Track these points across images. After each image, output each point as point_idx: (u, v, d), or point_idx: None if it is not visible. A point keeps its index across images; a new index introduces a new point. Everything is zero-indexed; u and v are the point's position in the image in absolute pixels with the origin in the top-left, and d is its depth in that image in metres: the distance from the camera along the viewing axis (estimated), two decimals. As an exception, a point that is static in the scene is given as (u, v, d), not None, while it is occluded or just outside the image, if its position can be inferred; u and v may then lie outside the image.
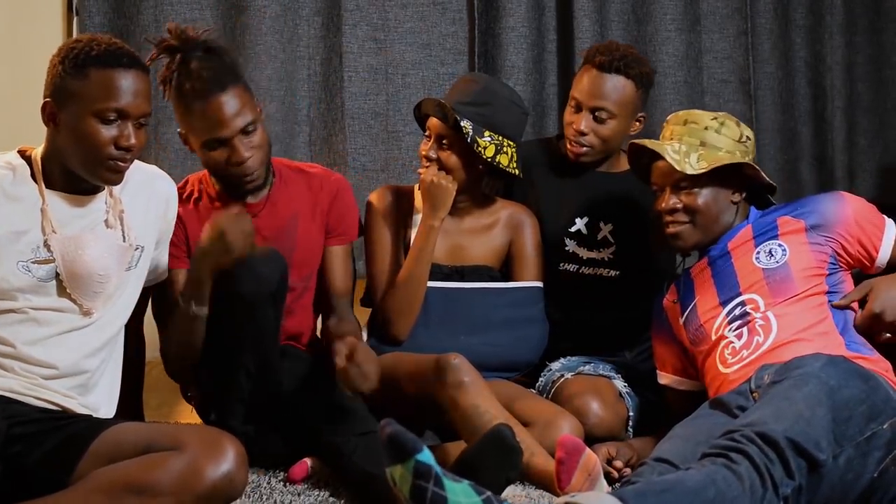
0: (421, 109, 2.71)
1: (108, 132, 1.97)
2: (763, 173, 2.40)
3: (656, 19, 3.58)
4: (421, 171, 2.64)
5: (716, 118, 2.44)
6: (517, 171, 2.65)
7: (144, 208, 2.17)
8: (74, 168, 2.01)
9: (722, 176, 2.38)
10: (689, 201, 2.39)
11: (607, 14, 3.54)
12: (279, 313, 2.33)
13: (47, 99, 2.00)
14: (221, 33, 3.23)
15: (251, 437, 2.34)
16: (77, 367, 2.03)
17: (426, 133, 2.66)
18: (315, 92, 3.39)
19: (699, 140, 2.40)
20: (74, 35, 3.28)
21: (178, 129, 2.42)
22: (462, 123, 2.56)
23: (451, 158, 2.61)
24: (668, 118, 2.53)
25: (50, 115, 2.00)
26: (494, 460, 2.00)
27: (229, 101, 2.30)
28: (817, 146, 3.75)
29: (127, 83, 1.98)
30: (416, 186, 2.78)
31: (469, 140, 2.56)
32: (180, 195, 2.45)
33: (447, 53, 3.47)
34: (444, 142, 2.61)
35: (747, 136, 2.45)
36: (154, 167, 2.27)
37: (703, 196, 2.39)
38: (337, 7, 3.39)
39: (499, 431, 2.03)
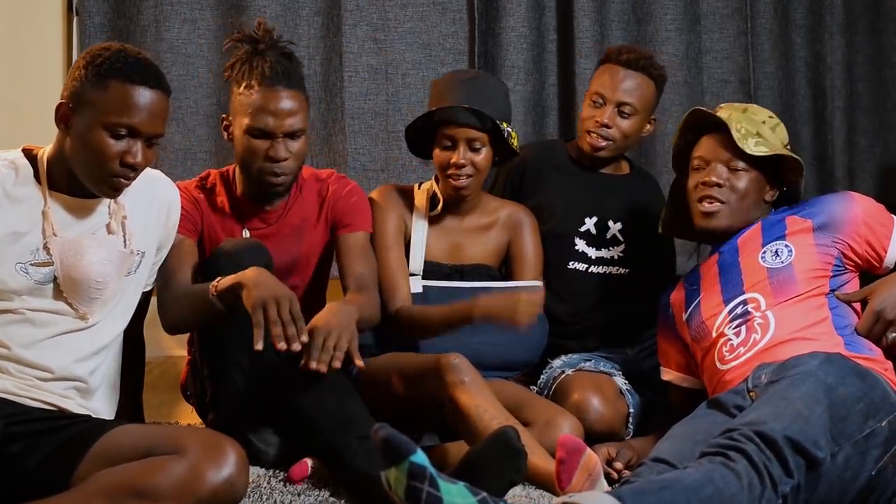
0: (435, 117, 2.61)
1: (115, 147, 1.95)
2: (803, 183, 2.42)
3: (656, 19, 3.58)
4: (451, 180, 2.61)
5: (772, 117, 2.48)
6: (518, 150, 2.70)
7: (146, 214, 2.16)
8: (78, 175, 2.00)
9: (767, 170, 2.41)
10: (734, 181, 2.40)
11: (607, 14, 3.54)
12: None
13: (63, 100, 1.98)
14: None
15: (249, 438, 2.36)
16: (71, 370, 2.02)
17: (445, 142, 2.59)
18: (315, 92, 3.39)
19: (756, 130, 2.42)
20: (75, 35, 3.28)
21: (223, 116, 2.46)
22: (501, 125, 2.57)
23: (481, 159, 2.60)
24: (721, 105, 2.54)
25: (63, 116, 1.98)
26: (498, 462, 2.00)
27: (289, 99, 2.36)
28: (817, 146, 3.75)
29: (144, 101, 1.96)
30: (416, 186, 2.78)
31: (506, 136, 2.59)
32: (202, 183, 2.48)
33: (447, 53, 3.47)
34: (476, 145, 2.58)
35: (790, 148, 2.48)
36: (157, 172, 2.25)
37: (748, 181, 2.41)
38: (337, 7, 3.39)
39: (504, 433, 2.03)
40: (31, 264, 1.98)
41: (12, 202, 1.98)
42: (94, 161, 1.96)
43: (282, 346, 2.07)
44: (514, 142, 2.64)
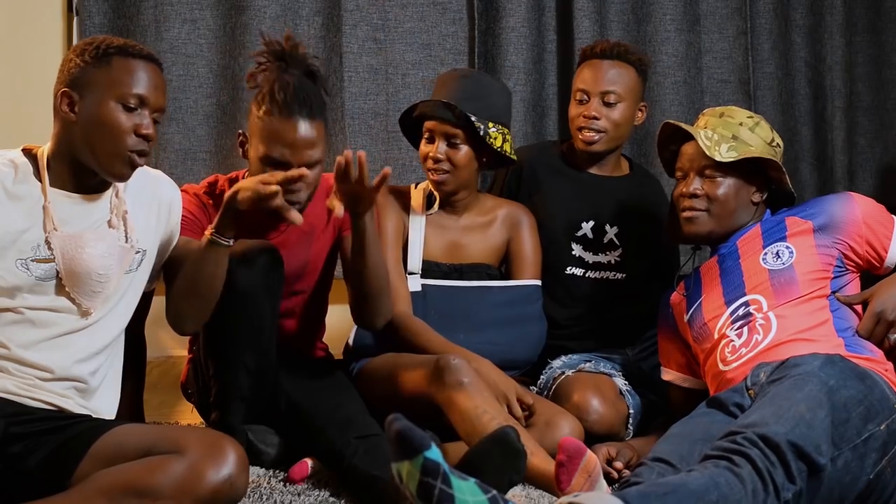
0: (415, 112, 2.68)
1: (129, 120, 1.99)
2: (788, 179, 2.41)
3: (656, 19, 3.58)
4: (430, 174, 2.64)
5: (751, 117, 2.48)
6: (514, 156, 2.69)
7: (147, 212, 2.17)
8: (87, 161, 2.01)
9: (747, 172, 2.41)
10: (711, 189, 2.41)
11: (607, 14, 3.54)
12: (275, 305, 2.33)
13: (64, 88, 2.00)
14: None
15: (250, 438, 2.36)
16: (72, 371, 2.02)
17: (426, 135, 2.65)
18: (315, 92, 3.39)
19: (732, 134, 2.43)
20: (75, 35, 3.29)
21: (240, 132, 2.41)
22: (473, 119, 2.57)
23: (460, 156, 2.62)
24: (704, 111, 2.56)
25: (69, 104, 2.00)
26: (498, 462, 2.00)
27: (309, 131, 2.29)
28: (817, 146, 3.75)
29: (148, 74, 2.02)
30: (413, 186, 2.79)
31: (482, 134, 2.58)
32: (210, 188, 2.47)
33: (447, 53, 3.47)
34: (454, 140, 2.61)
35: (778, 143, 2.48)
36: (158, 171, 2.27)
37: (726, 186, 2.41)
38: (337, 7, 3.39)
39: (503, 433, 2.03)
40: (32, 260, 1.98)
41: (12, 200, 1.98)
42: (109, 137, 1.99)
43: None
44: (497, 143, 2.61)
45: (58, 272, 2.00)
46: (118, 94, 1.99)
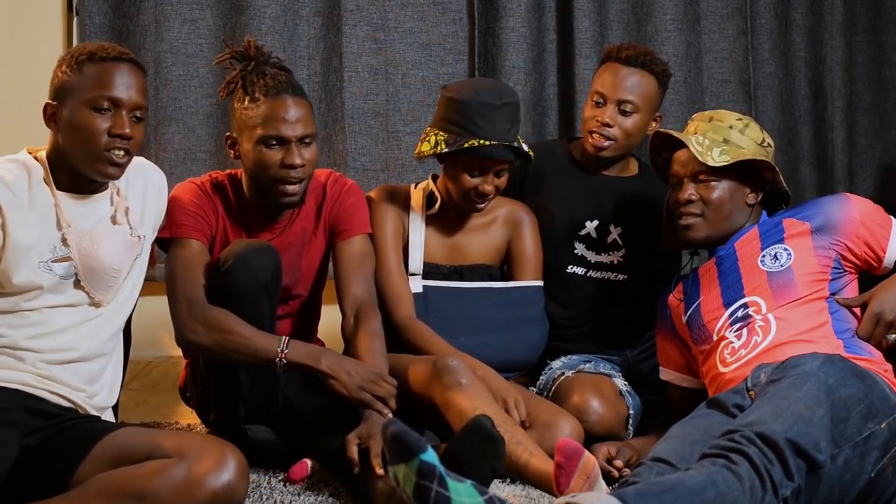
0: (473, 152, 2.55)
1: (102, 122, 2.02)
2: (782, 178, 2.41)
3: (656, 19, 3.57)
4: (474, 203, 2.61)
5: (741, 119, 2.48)
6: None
7: (143, 199, 2.22)
8: (77, 165, 2.06)
9: (740, 174, 2.42)
10: (706, 194, 2.41)
11: (607, 14, 3.54)
12: (274, 305, 2.34)
13: (48, 101, 2.06)
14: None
15: (250, 437, 2.37)
16: (95, 352, 2.08)
17: (476, 172, 2.56)
18: (315, 92, 3.39)
19: (722, 137, 2.43)
20: (75, 35, 3.29)
21: (227, 135, 2.44)
22: (528, 151, 2.59)
23: (503, 181, 2.61)
24: (693, 116, 2.57)
25: (51, 115, 2.06)
26: (477, 451, 2.01)
27: (298, 106, 2.35)
28: (817, 146, 3.74)
29: (119, 73, 2.05)
30: (413, 185, 2.78)
31: (533, 160, 2.62)
32: (214, 183, 2.47)
33: (447, 53, 3.47)
34: (502, 171, 2.59)
35: (769, 143, 2.49)
36: (142, 158, 2.29)
37: (720, 190, 2.41)
38: (337, 7, 3.39)
39: (478, 422, 2.03)
40: (52, 261, 2.03)
41: (31, 206, 2.03)
42: (85, 140, 2.02)
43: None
44: (533, 153, 2.64)
45: (75, 269, 2.05)
46: (88, 98, 2.02)
